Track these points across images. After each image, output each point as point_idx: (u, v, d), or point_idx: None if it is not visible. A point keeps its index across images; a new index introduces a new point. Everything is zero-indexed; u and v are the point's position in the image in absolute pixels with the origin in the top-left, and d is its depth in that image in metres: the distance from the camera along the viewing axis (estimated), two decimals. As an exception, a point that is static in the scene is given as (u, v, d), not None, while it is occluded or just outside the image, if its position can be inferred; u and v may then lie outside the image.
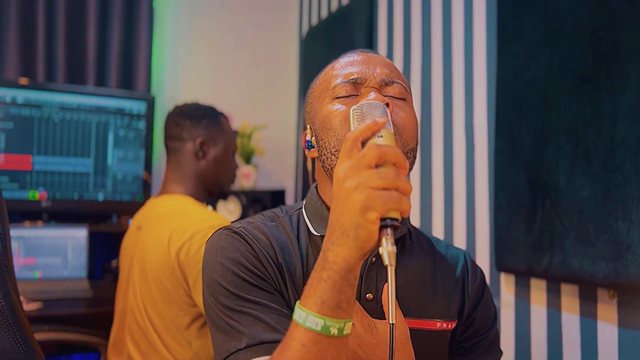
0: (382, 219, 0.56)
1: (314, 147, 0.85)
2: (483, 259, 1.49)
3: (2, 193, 0.88)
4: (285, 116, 2.75)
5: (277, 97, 2.74)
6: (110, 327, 1.49)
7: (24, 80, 2.08)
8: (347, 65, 0.83)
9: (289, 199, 2.70)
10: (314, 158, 0.86)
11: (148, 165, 2.22)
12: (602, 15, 1.12)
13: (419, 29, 1.82)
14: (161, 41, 2.50)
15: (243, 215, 2.29)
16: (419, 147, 0.89)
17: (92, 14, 2.26)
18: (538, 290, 1.33)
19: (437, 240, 0.94)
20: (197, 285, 1.25)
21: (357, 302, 0.77)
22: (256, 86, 2.68)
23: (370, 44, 2.04)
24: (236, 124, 2.49)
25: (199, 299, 1.25)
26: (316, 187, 0.88)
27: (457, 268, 0.90)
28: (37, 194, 2.04)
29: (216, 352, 0.74)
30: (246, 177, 2.47)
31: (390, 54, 1.97)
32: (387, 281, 0.62)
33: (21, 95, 2.02)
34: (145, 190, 2.21)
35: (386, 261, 0.56)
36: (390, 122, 0.65)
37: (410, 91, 0.85)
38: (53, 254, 1.97)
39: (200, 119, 1.50)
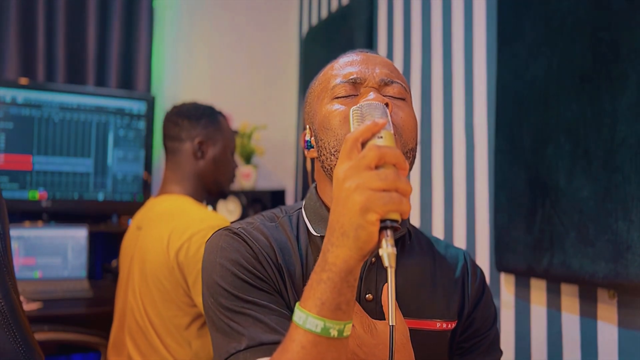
0: (382, 221, 0.56)
1: (313, 147, 0.84)
2: (483, 259, 1.49)
3: (2, 193, 0.88)
4: (285, 116, 2.75)
5: (277, 97, 2.74)
6: (110, 327, 1.49)
7: (24, 80, 2.08)
8: (346, 65, 0.83)
9: (289, 199, 2.70)
10: (314, 158, 0.86)
11: (148, 165, 2.22)
12: (602, 15, 1.12)
13: (419, 29, 1.82)
14: (161, 41, 2.50)
15: (243, 215, 2.29)
16: (418, 147, 0.89)
17: (92, 14, 2.26)
18: (538, 290, 1.33)
19: (437, 240, 0.94)
20: (197, 286, 1.25)
21: (357, 303, 0.77)
22: (256, 86, 2.68)
23: (370, 44, 2.04)
24: (236, 124, 2.48)
25: (199, 299, 1.25)
26: (315, 188, 0.88)
27: (456, 268, 0.90)
28: (37, 194, 2.04)
29: (216, 353, 0.74)
30: (246, 177, 2.46)
31: (390, 54, 1.96)
32: (386, 282, 0.61)
33: (21, 95, 2.02)
34: (145, 190, 2.21)
35: (386, 263, 0.56)
36: (390, 122, 0.65)
37: (410, 91, 0.85)
38: (53, 254, 1.97)
39: (198, 119, 1.50)
